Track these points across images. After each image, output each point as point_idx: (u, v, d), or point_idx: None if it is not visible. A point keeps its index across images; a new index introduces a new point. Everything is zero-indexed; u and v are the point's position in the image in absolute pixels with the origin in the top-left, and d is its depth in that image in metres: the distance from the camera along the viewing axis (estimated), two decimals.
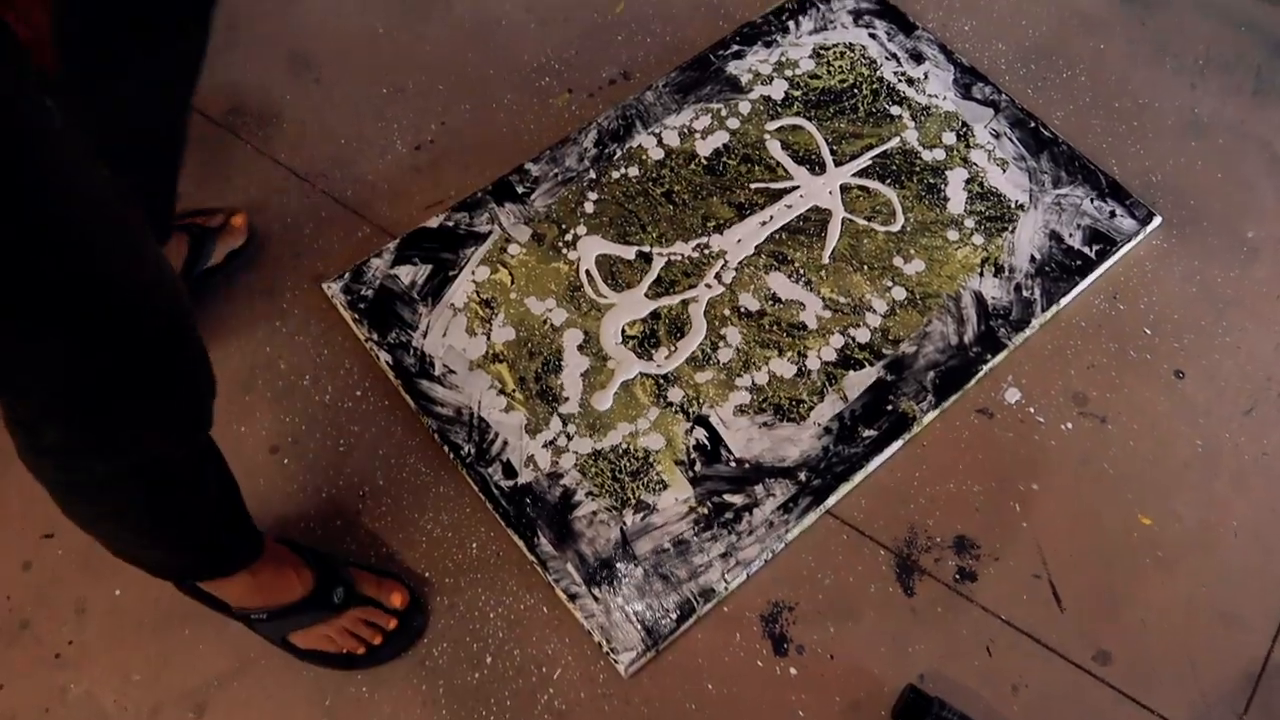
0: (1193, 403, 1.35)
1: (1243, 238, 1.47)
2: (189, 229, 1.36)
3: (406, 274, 1.40)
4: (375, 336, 1.35)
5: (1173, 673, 1.20)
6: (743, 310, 1.37)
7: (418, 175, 1.51)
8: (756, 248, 1.42)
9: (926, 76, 1.56)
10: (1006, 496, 1.28)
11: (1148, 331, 1.39)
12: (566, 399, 1.31)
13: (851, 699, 1.17)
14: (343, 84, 1.60)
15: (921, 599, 1.23)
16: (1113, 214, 1.44)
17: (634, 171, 1.48)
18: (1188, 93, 1.58)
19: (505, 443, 1.28)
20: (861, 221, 1.44)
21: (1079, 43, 1.63)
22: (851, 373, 1.33)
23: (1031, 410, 1.33)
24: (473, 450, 1.28)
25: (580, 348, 1.35)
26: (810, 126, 1.52)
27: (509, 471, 1.26)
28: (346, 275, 1.40)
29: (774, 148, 1.50)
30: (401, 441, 1.31)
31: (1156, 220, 1.44)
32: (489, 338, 1.35)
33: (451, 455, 1.27)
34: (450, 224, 1.44)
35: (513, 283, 1.39)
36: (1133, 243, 1.43)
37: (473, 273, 1.40)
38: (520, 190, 1.47)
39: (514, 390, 1.32)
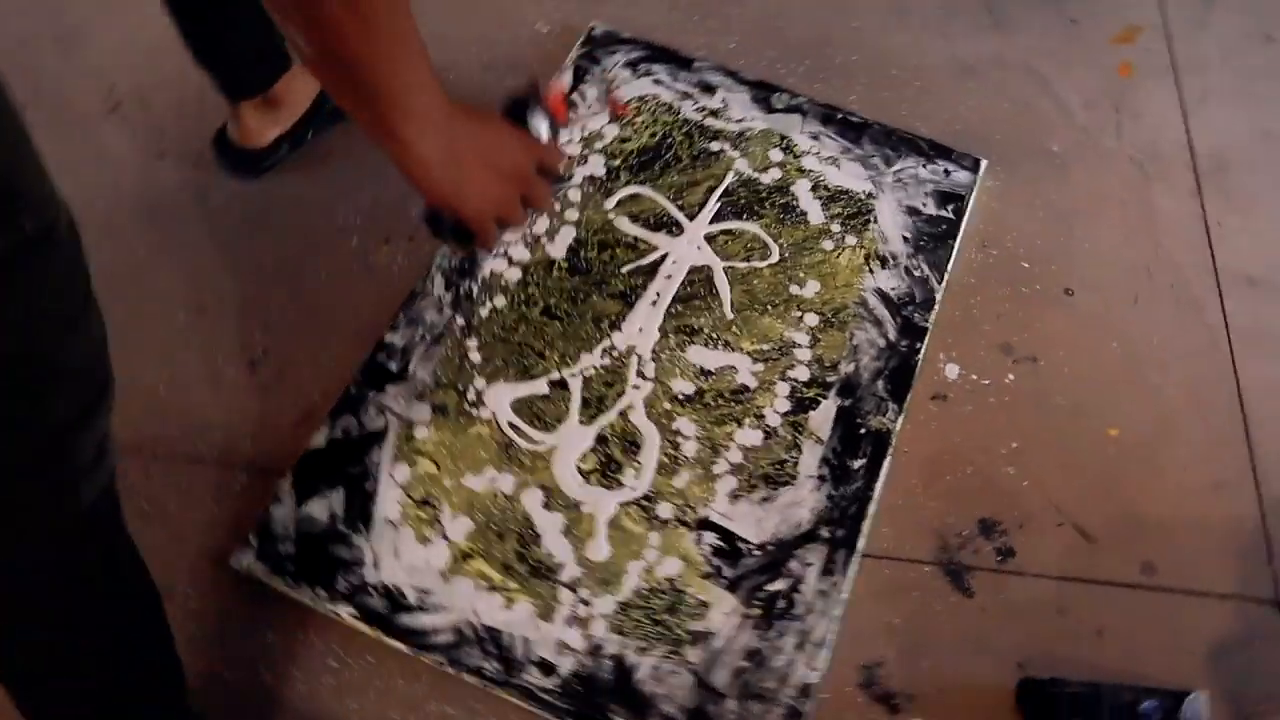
0: (1091, 313, 1.43)
1: (1050, 153, 1.58)
2: None
3: (321, 509, 1.21)
4: (323, 593, 1.15)
5: (1205, 551, 1.26)
6: (681, 397, 1.30)
7: (269, 395, 1.31)
8: (660, 329, 1.35)
9: (725, 104, 1.55)
10: (997, 465, 1.30)
11: (1026, 265, 1.47)
12: (562, 565, 1.18)
13: (980, 717, 1.15)
14: (128, 326, 1.35)
15: (981, 594, 1.22)
16: (947, 172, 1.51)
17: (500, 301, 1.36)
18: (943, 43, 1.69)
19: (526, 641, 1.14)
20: (741, 264, 1.41)
21: (835, 27, 1.69)
22: (812, 413, 1.30)
23: (975, 377, 1.36)
24: (497, 665, 1.12)
25: (546, 505, 1.22)
26: (647, 190, 1.46)
27: (546, 669, 1.12)
28: (252, 540, 1.19)
29: (623, 224, 1.43)
30: (409, 693, 1.13)
31: (984, 164, 1.52)
32: (446, 538, 1.19)
33: (476, 680, 1.11)
34: (338, 435, 1.26)
35: (439, 469, 1.24)
36: (975, 191, 1.50)
37: (392, 476, 1.23)
38: (394, 367, 1.31)
39: (503, 582, 1.17)
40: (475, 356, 1.32)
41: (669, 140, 1.52)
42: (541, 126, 0.97)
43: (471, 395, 1.29)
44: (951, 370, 1.37)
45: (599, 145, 1.50)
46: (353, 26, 0.66)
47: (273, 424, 1.29)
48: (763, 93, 1.57)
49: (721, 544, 1.20)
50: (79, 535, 0.78)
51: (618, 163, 1.49)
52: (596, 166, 1.48)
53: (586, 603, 1.16)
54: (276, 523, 1.20)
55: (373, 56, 0.70)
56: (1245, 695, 1.17)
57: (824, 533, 1.22)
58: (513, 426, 1.27)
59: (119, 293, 1.38)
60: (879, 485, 1.26)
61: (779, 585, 1.18)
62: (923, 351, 1.36)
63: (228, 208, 1.46)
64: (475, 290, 1.37)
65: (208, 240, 1.43)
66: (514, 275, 1.39)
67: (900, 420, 1.30)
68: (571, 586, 1.17)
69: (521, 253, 1.40)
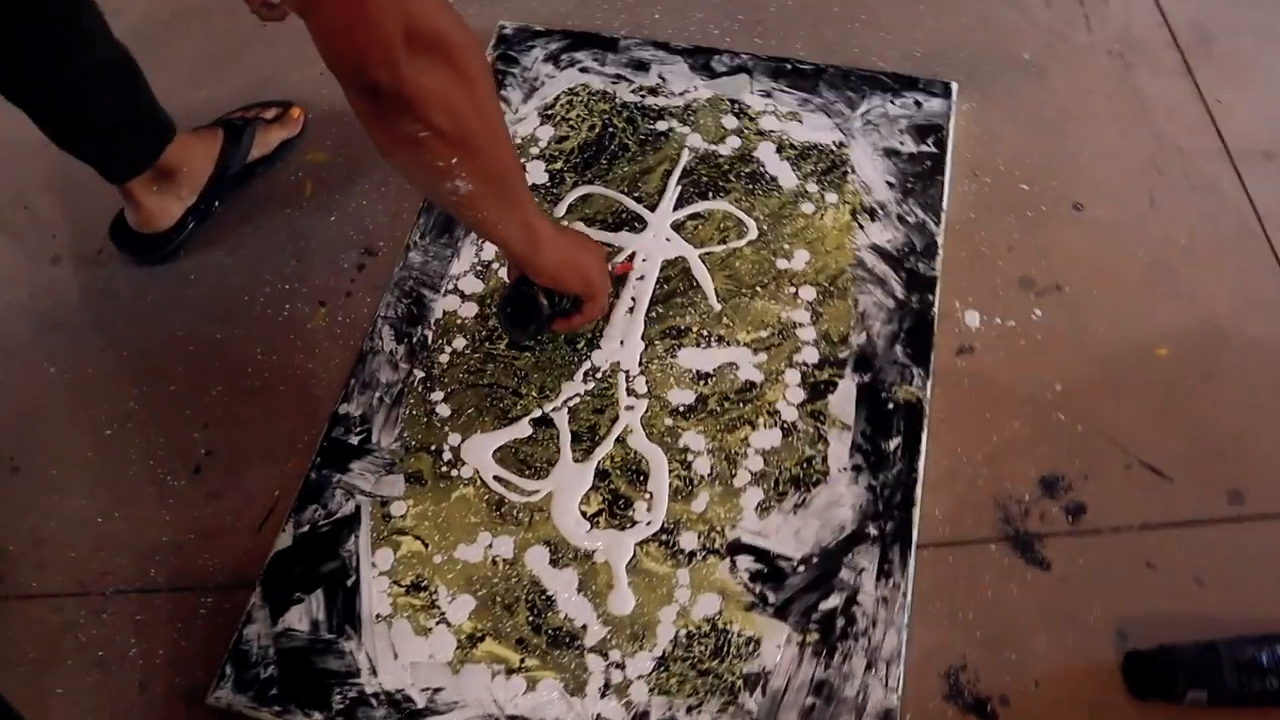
0: (1107, 224, 1.29)
1: (1022, 61, 1.44)
2: (226, 124, 1.36)
3: (299, 617, 1.05)
4: (319, 716, 1.00)
5: None
6: (681, 409, 1.15)
7: (219, 502, 1.15)
8: (643, 338, 1.20)
9: (663, 79, 1.40)
10: (1045, 412, 1.16)
11: (1025, 187, 1.32)
12: (584, 628, 1.03)
13: (1087, 706, 1.00)
14: (55, 454, 1.20)
15: (1059, 563, 1.07)
16: (918, 103, 1.36)
17: (460, 342, 1.21)
18: None
19: None
20: (719, 248, 1.26)
21: None
22: (830, 398, 1.15)
23: (999, 321, 1.22)
24: None
25: (553, 562, 1.07)
26: (598, 189, 1.31)
27: None
28: (228, 668, 1.03)
29: (580, 230, 1.28)
30: None
31: (954, 87, 1.38)
32: (448, 624, 1.04)
33: None
34: (304, 528, 1.10)
35: (426, 546, 1.08)
36: (952, 118, 1.35)
37: (373, 565, 1.07)
38: (355, 440, 1.15)
39: (521, 660, 1.02)
40: (443, 410, 1.16)
41: (610, 130, 1.36)
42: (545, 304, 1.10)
43: (447, 455, 1.13)
44: (972, 318, 1.22)
45: (535, 150, 1.35)
46: (499, 149, 0.87)
47: (230, 532, 1.13)
48: (701, 58, 1.42)
49: (759, 567, 1.05)
50: None
51: (559, 165, 1.34)
52: (538, 174, 1.33)
53: (620, 666, 1.01)
54: (252, 644, 1.04)
55: (513, 170, 0.92)
56: None
57: (871, 530, 1.07)
58: (500, 480, 1.12)
59: (34, 419, 1.24)
60: (921, 464, 1.11)
61: (833, 601, 1.03)
62: (937, 304, 1.21)
63: (138, 300, 1.30)
64: (430, 336, 1.21)
65: (124, 339, 1.27)
66: (469, 310, 1.23)
67: (929, 385, 1.15)
68: (600, 650, 1.02)
69: (473, 283, 1.25)
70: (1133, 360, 1.19)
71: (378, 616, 1.04)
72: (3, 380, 1.26)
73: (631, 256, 1.25)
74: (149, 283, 1.31)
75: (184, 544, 1.13)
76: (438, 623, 1.04)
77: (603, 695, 0.99)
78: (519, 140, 1.36)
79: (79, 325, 1.29)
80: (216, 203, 1.34)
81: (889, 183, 1.29)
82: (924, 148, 1.32)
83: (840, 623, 1.02)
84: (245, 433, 1.19)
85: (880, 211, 1.27)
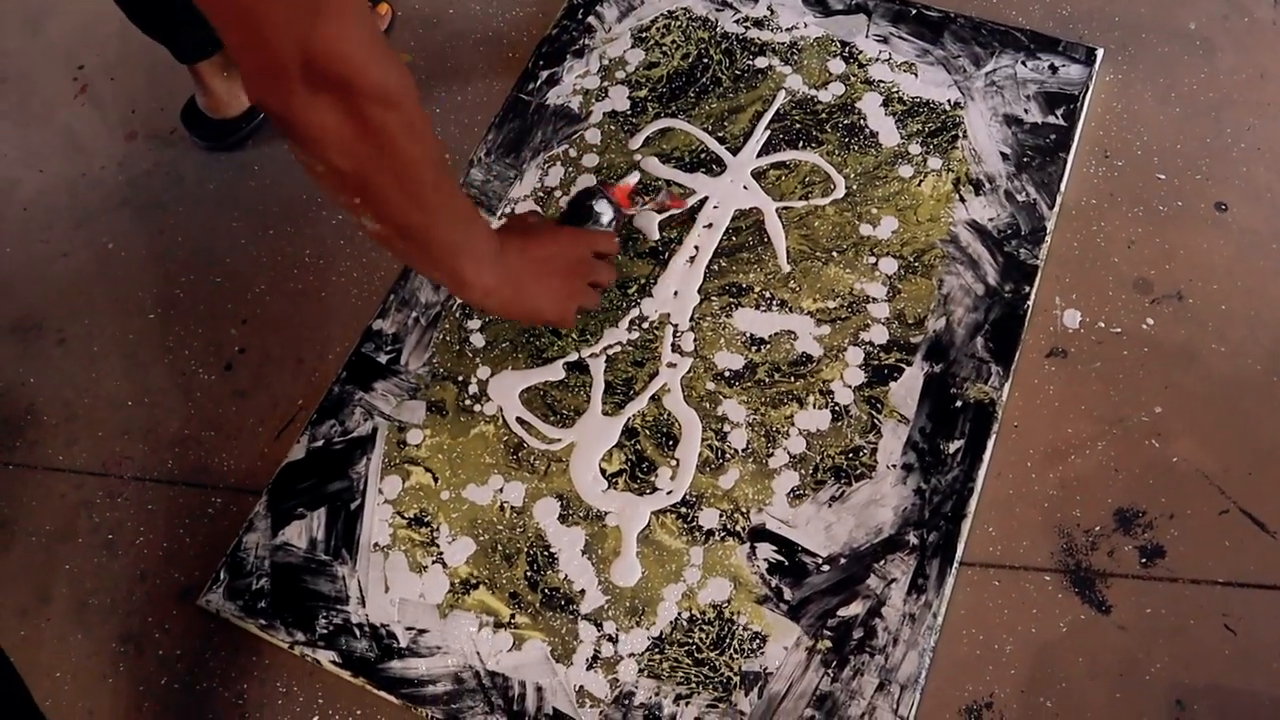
0: (1251, 231, 1.12)
1: (1187, 32, 1.25)
2: None
3: (298, 533, 1.02)
4: (301, 637, 0.97)
5: None
6: (727, 375, 1.06)
7: (245, 401, 1.13)
8: (700, 291, 1.10)
9: (772, 10, 1.28)
10: (1137, 437, 1.02)
11: (1161, 177, 1.15)
12: (582, 593, 0.96)
13: None
14: (99, 332, 1.19)
15: (1121, 609, 0.94)
16: (1054, 68, 1.20)
17: None
18: None
19: (539, 689, 0.92)
20: (799, 204, 1.15)
21: None
22: (893, 385, 1.04)
23: (1102, 325, 1.07)
24: None
25: (562, 518, 1.00)
26: (681, 123, 1.21)
27: None
28: (223, 574, 1.01)
29: (652, 166, 1.18)
30: None
31: (1100, 53, 1.21)
32: (444, 564, 0.99)
33: None
34: (319, 443, 1.06)
35: (436, 480, 1.03)
36: (1091, 89, 1.19)
37: (380, 491, 1.03)
38: (384, 359, 1.10)
39: (512, 616, 0.96)
40: (477, 340, 1.10)
41: (705, 61, 1.25)
42: (605, 212, 1.07)
43: (473, 388, 1.08)
44: (1072, 318, 1.08)
45: (621, 74, 1.25)
46: (407, 203, 0.77)
47: (249, 434, 1.11)
48: None
49: (780, 558, 0.96)
50: None
51: (644, 93, 1.24)
52: (619, 99, 1.24)
53: (613, 639, 0.94)
54: (250, 552, 1.01)
55: (427, 222, 0.80)
56: None
57: (911, 538, 0.96)
58: (522, 423, 1.05)
59: (87, 294, 1.23)
60: (982, 473, 0.99)
61: (855, 610, 0.93)
62: (1033, 297, 1.07)
63: (201, 186, 1.27)
64: None
65: (181, 224, 1.25)
66: None
67: (1007, 387, 1.03)
68: (594, 620, 0.95)
69: (531, 209, 1.17)
70: (1254, 393, 1.03)
71: (375, 545, 1.00)
72: (66, 250, 1.26)
73: (699, 202, 1.15)
74: (213, 169, 1.29)
75: (204, 440, 1.11)
76: (434, 562, 0.99)
77: (589, 667, 0.93)
78: (606, 61, 1.26)
79: (142, 204, 1.27)
80: None
81: (1003, 154, 1.15)
82: (1051, 119, 1.16)
83: (858, 634, 0.92)
84: (280, 335, 1.16)
85: (987, 185, 1.13)
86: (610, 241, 1.05)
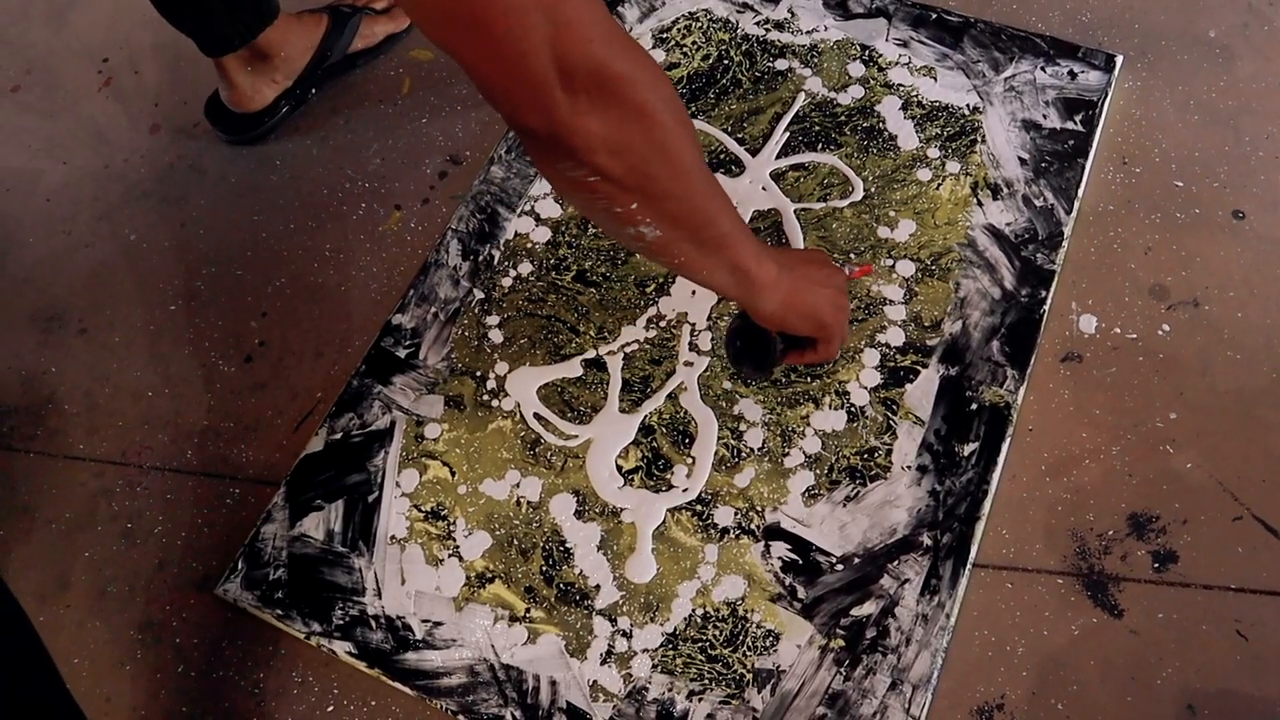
0: (1270, 237, 1.12)
1: (1206, 40, 1.26)
2: (333, 10, 1.32)
3: (316, 525, 1.03)
4: (317, 627, 0.98)
5: None
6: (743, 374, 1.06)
7: (264, 394, 1.14)
8: None
9: (793, 13, 1.28)
10: (1151, 443, 1.02)
11: (1179, 184, 1.16)
12: (597, 588, 0.97)
13: None
14: (120, 322, 1.20)
15: (1134, 613, 0.95)
16: (1073, 74, 1.20)
17: (526, 268, 1.15)
18: None
19: (553, 683, 0.93)
20: (817, 206, 1.15)
21: None
22: (909, 386, 1.04)
23: (1118, 330, 1.08)
24: (517, 713, 0.92)
25: (579, 514, 1.01)
26: (700, 124, 1.22)
27: (577, 716, 0.92)
28: (240, 564, 1.02)
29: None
30: None
31: (1119, 60, 1.21)
32: (460, 558, 1.00)
33: None
34: (337, 436, 1.07)
35: (454, 475, 1.04)
36: (1110, 95, 1.19)
37: (397, 484, 1.04)
38: (403, 354, 1.11)
39: (527, 610, 0.97)
40: (496, 335, 1.11)
41: (725, 62, 1.26)
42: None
43: (491, 383, 1.08)
44: (1088, 323, 1.08)
45: None
46: (683, 187, 0.73)
47: (268, 426, 1.12)
48: None
49: (795, 557, 0.97)
50: None
51: None
52: None
53: (627, 635, 0.95)
54: (267, 544, 1.02)
55: (705, 206, 0.76)
56: None
57: (925, 539, 0.97)
58: (539, 419, 1.06)
59: (109, 284, 1.24)
60: (996, 476, 0.99)
61: (868, 609, 0.94)
62: (1049, 302, 1.08)
63: (223, 179, 1.29)
64: (496, 257, 1.16)
65: (203, 217, 1.26)
66: (543, 235, 1.17)
67: (1022, 391, 1.03)
68: (609, 615, 0.96)
69: (551, 208, 1.18)
70: (1268, 401, 1.03)
71: (392, 538, 1.01)
72: (89, 241, 1.27)
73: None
74: (235, 163, 1.30)
75: (223, 431, 1.12)
76: (450, 555, 1.00)
77: (603, 662, 0.94)
78: None
79: (164, 196, 1.29)
80: (313, 90, 1.31)
81: (1021, 159, 1.15)
82: (1070, 125, 1.17)
83: (871, 634, 0.93)
84: (300, 328, 1.17)
85: (1005, 189, 1.14)
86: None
